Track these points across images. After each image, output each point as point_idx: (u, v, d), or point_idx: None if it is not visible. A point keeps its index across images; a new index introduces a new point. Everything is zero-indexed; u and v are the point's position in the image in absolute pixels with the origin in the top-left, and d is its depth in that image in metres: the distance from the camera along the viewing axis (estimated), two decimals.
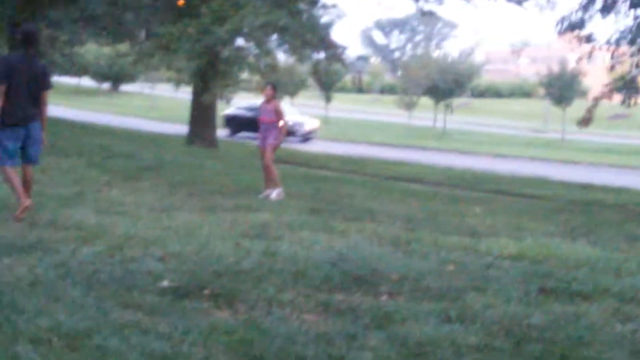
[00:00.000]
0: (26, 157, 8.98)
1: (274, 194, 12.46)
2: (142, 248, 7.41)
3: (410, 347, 5.00)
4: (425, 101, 59.63)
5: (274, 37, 24.61)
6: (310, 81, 59.80)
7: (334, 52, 24.13)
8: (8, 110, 8.60)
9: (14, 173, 8.87)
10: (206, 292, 5.96)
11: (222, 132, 33.82)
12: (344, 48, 24.92)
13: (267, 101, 12.78)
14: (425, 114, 59.86)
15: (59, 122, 26.32)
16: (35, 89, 8.83)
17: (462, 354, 4.95)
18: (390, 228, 9.94)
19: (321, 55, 24.47)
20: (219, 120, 33.80)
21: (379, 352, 4.87)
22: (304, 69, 47.34)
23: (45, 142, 9.20)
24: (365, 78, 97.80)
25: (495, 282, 6.87)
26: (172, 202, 10.94)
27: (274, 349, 4.76)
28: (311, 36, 22.89)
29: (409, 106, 58.05)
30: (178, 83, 31.19)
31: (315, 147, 33.52)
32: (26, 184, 9.00)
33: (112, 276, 6.20)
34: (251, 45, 24.36)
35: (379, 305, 5.90)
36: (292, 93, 59.31)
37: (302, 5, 24.05)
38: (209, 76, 23.52)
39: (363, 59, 35.47)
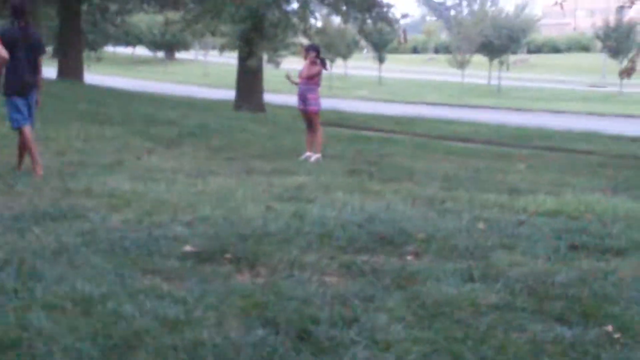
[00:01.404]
0: None
1: (314, 157, 12.40)
2: (172, 214, 7.42)
3: (428, 308, 4.91)
4: (480, 59, 58.83)
5: None
6: (364, 42, 59.32)
7: (379, 11, 23.82)
8: (12, 78, 9.28)
9: (31, 135, 9.70)
10: (228, 255, 5.93)
11: None
12: (390, 6, 24.55)
13: (311, 63, 12.66)
14: (480, 72, 59.05)
15: (107, 92, 26.58)
16: (32, 56, 9.55)
17: (482, 313, 4.85)
18: (427, 188, 9.82)
19: (366, 15, 24.13)
20: None
21: (395, 313, 4.79)
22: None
23: (39, 104, 9.98)
24: (421, 38, 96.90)
25: (525, 240, 6.74)
26: (210, 167, 10.97)
27: (288, 311, 4.71)
28: None
29: (462, 64, 57.29)
30: (223, 49, 31.13)
31: (367, 108, 33.24)
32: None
33: (136, 243, 6.19)
34: (295, 6, 24.23)
35: (402, 266, 5.82)
36: (345, 55, 58.95)
37: None
38: (253, 40, 23.43)
39: (406, 16, 34.81)
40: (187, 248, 6.07)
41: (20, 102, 9.53)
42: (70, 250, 5.93)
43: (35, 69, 9.65)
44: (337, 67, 59.39)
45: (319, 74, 12.59)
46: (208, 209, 7.67)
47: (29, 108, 9.66)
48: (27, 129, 9.64)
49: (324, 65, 12.68)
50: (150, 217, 7.24)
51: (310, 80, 12.55)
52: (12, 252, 5.74)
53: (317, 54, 12.75)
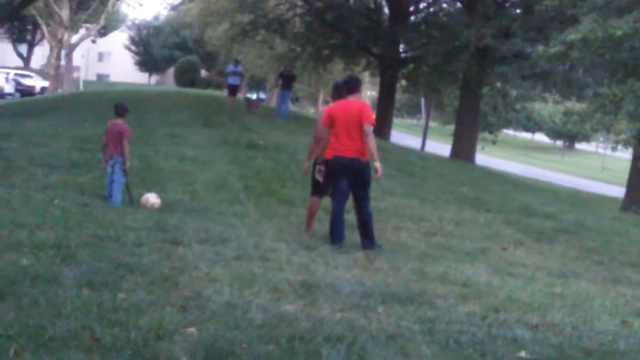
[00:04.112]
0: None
1: None
2: (519, 314, 7.21)
3: None
4: None
5: None
6: None
7: None
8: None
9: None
10: None
11: None
12: None
13: None
14: None
15: (493, 175, 26.64)
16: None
17: None
18: None
19: None
20: None
21: None
22: None
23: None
24: None
25: None
26: (574, 269, 10.53)
27: None
28: None
29: None
30: (616, 145, 30.11)
31: None
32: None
33: (473, 340, 6.09)
34: None
35: None
36: None
37: None
38: None
39: None
40: (523, 354, 5.85)
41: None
42: (406, 336, 5.97)
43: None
44: None
45: None
46: (559, 314, 7.36)
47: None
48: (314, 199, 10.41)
49: None
50: (497, 313, 7.10)
51: None
52: (349, 329, 5.91)
53: None
